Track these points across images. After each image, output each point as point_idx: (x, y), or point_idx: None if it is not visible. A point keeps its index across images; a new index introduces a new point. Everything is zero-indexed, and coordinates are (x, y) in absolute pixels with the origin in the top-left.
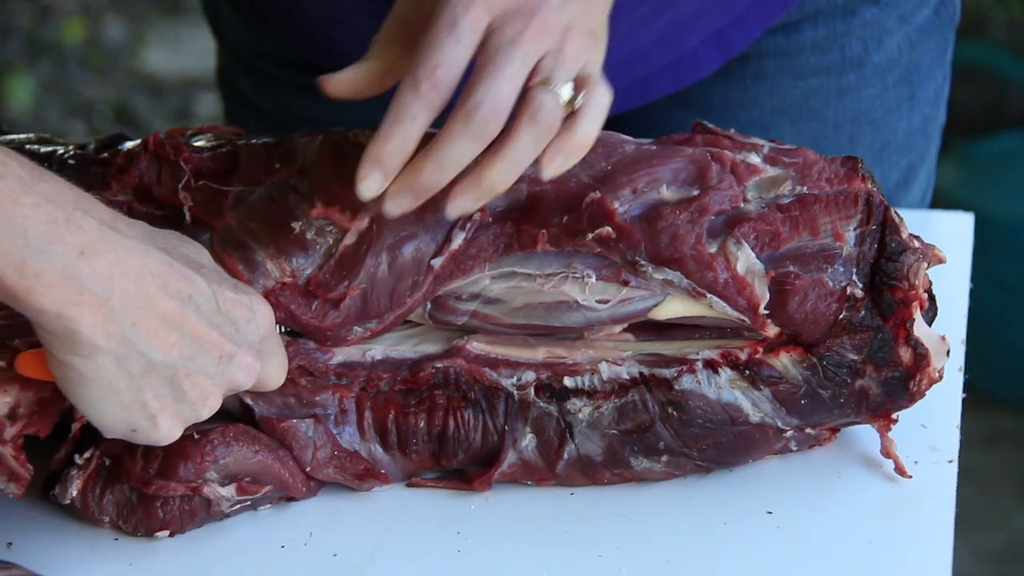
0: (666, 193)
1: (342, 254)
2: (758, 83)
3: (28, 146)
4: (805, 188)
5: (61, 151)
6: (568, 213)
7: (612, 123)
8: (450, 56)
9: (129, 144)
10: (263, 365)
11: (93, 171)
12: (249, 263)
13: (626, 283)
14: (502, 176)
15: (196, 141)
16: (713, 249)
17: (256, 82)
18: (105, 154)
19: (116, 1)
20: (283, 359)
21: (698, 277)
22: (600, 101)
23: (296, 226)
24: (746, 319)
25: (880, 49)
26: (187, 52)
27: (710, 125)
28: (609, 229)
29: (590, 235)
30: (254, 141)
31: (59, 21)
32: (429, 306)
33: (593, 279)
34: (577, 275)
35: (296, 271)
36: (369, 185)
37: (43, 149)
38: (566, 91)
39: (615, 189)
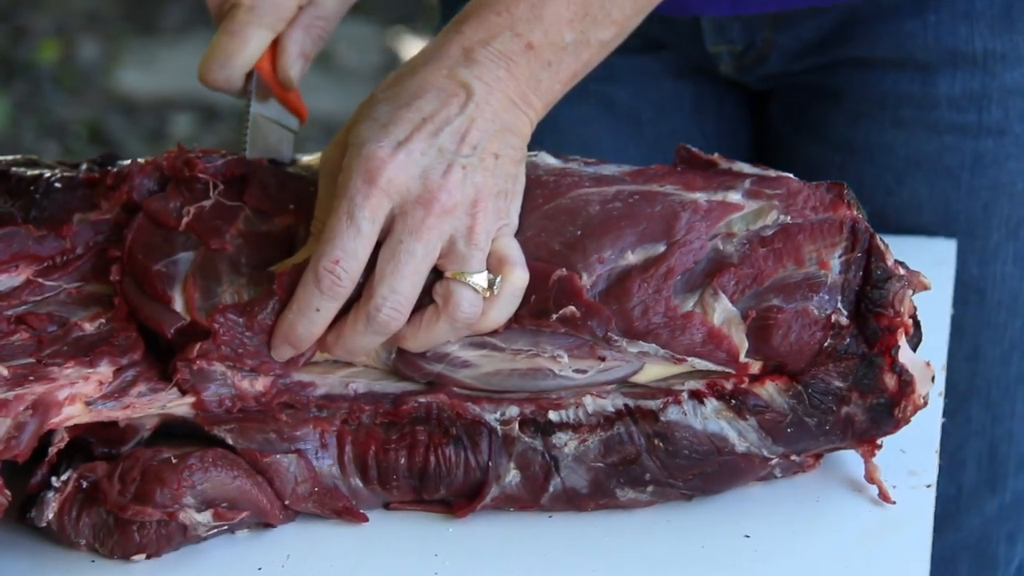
0: (631, 258)
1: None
2: (896, 129)
3: (14, 168)
4: (790, 218)
5: (48, 174)
6: (535, 291)
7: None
8: (350, 249)
9: (122, 163)
10: None
11: (80, 193)
12: (207, 292)
13: (602, 359)
14: (415, 348)
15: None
16: (690, 304)
17: None
18: (96, 173)
19: (91, 21)
20: None
21: (674, 345)
22: (515, 286)
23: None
24: (729, 369)
25: None
26: (162, 72)
27: (694, 149)
28: (574, 309)
29: (554, 316)
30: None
31: (34, 42)
32: (393, 354)
33: (565, 359)
34: (547, 354)
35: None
36: (282, 355)
37: (29, 172)
38: (482, 280)
39: (585, 258)
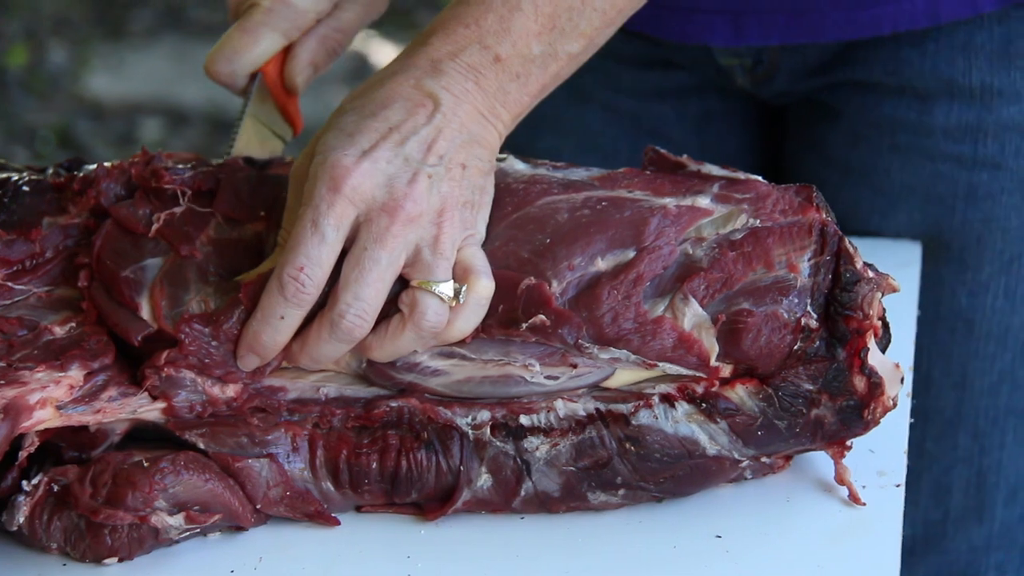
0: (601, 264)
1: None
2: (892, 154)
3: None
4: (759, 221)
5: (15, 177)
6: (503, 301)
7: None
8: (314, 256)
9: (89, 167)
10: None
11: (48, 197)
12: (174, 300)
13: (574, 366)
14: (381, 357)
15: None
16: (660, 309)
17: None
18: (63, 177)
19: (59, 26)
20: None
21: (645, 350)
22: (481, 295)
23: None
24: (700, 373)
25: (1022, 158)
26: (130, 77)
27: (663, 151)
28: (543, 318)
29: (524, 325)
30: (236, 168)
31: (2, 47)
32: (364, 363)
33: (537, 367)
34: (518, 363)
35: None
36: (247, 364)
37: None
38: (447, 289)
39: (554, 265)
